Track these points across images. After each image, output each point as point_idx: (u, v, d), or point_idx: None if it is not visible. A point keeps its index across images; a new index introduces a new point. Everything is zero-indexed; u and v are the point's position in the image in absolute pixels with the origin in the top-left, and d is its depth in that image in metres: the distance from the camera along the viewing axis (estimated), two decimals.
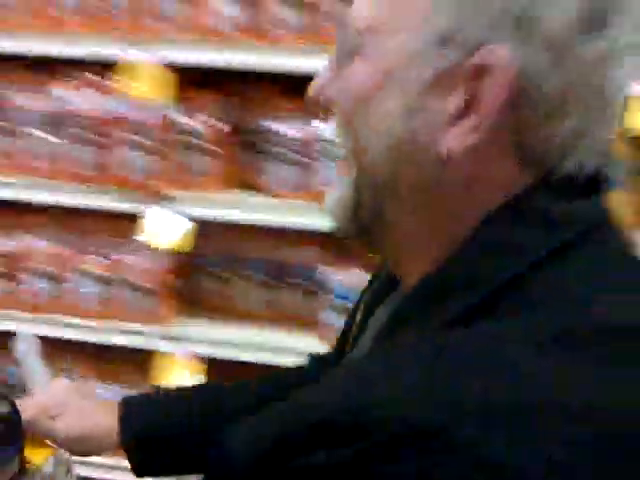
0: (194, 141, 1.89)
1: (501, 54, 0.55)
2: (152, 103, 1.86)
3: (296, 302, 1.96)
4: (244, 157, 1.93)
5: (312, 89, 0.68)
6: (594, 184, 0.60)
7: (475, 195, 0.59)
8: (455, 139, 0.57)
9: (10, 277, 2.02)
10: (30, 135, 1.96)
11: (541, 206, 0.57)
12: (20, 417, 0.99)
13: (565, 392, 0.50)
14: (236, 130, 1.92)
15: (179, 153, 1.89)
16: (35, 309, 2.02)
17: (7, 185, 1.98)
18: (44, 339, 1.21)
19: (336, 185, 0.67)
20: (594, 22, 0.55)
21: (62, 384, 1.07)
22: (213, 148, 1.90)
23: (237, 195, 1.92)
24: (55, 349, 1.99)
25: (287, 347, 1.88)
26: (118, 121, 1.88)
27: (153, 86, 1.84)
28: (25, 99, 1.97)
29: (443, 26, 0.57)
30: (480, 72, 0.56)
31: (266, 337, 1.94)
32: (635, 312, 0.55)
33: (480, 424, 0.48)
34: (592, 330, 0.53)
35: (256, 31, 1.83)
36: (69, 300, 2.00)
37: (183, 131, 1.89)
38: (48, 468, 1.05)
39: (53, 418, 1.01)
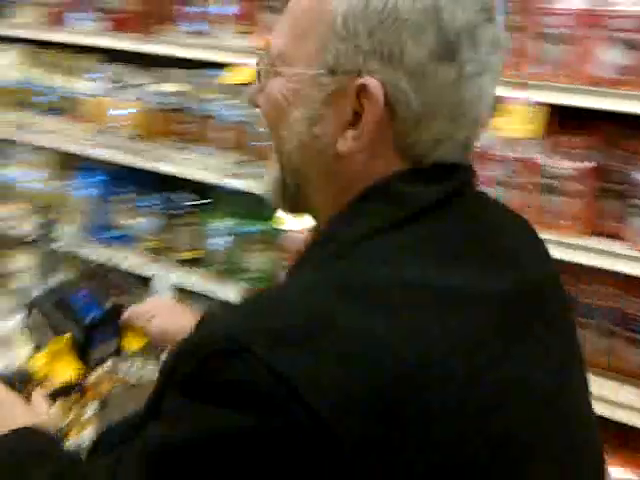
0: (556, 183, 1.91)
1: (373, 82, 0.75)
2: (521, 141, 1.92)
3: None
4: (606, 204, 1.92)
5: (246, 97, 0.91)
6: (454, 172, 0.81)
7: (361, 179, 0.80)
8: (345, 143, 0.78)
9: None
10: None
11: (396, 188, 0.78)
12: (120, 312, 1.36)
13: (349, 332, 0.67)
14: (600, 175, 1.91)
15: (540, 193, 1.93)
16: None
17: None
18: None
19: (266, 172, 0.89)
20: (445, 54, 0.75)
21: (165, 298, 1.52)
22: (575, 190, 1.90)
23: (593, 240, 1.91)
24: None
25: None
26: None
27: (523, 124, 1.89)
28: None
29: (330, 61, 0.78)
30: (359, 95, 0.76)
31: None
32: (423, 276, 0.74)
33: (270, 345, 0.66)
34: (385, 285, 0.72)
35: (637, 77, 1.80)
36: None
37: (547, 171, 1.92)
38: (140, 355, 1.40)
39: (150, 319, 1.35)
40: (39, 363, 1.26)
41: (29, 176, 2.97)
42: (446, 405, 0.68)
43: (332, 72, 0.78)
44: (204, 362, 0.68)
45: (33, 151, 2.96)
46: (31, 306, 1.36)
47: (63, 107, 2.85)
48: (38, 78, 2.92)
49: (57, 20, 2.82)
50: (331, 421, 0.64)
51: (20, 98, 2.97)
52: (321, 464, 0.64)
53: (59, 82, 2.87)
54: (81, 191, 2.85)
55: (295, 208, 0.90)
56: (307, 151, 0.82)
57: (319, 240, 0.82)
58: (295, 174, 0.85)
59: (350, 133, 0.78)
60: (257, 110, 0.87)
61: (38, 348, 1.31)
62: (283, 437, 0.64)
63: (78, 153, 2.78)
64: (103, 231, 2.80)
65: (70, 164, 2.92)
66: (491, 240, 0.83)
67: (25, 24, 2.87)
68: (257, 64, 0.86)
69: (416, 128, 0.77)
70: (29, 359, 1.28)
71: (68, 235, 2.71)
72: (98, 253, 2.65)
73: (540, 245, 0.92)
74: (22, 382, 1.17)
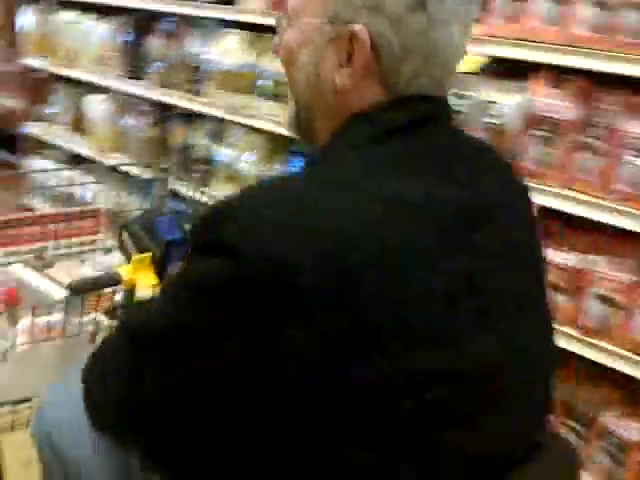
0: None
1: (362, 30, 0.98)
2: None
3: None
4: None
5: (273, 48, 1.14)
6: (429, 102, 1.02)
7: (354, 107, 1.02)
8: (342, 79, 1.01)
9: (570, 293, 2.08)
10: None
11: (374, 112, 1.00)
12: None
13: (315, 208, 0.88)
14: None
15: None
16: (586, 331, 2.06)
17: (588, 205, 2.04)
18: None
19: (288, 110, 1.14)
20: (417, 5, 0.97)
21: None
22: None
23: None
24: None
25: None
26: None
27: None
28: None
29: (330, 12, 1.01)
30: (352, 40, 0.99)
31: None
32: (388, 178, 0.93)
33: (252, 216, 0.88)
34: (353, 179, 0.92)
35: None
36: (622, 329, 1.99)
37: None
38: None
39: None
40: (125, 272, 1.60)
41: (241, 157, 3.07)
42: (380, 261, 0.87)
43: (331, 22, 1.01)
44: (205, 225, 0.94)
45: (246, 133, 3.05)
46: (122, 228, 1.64)
47: (278, 92, 2.91)
48: (259, 63, 3.00)
49: (280, 6, 2.87)
50: (291, 272, 0.84)
51: (243, 82, 3.07)
52: (284, 307, 0.84)
53: (277, 67, 2.92)
54: None
55: (306, 137, 1.13)
56: (313, 89, 1.06)
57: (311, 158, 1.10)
58: (306, 109, 1.09)
59: (345, 71, 1.01)
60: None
61: (127, 261, 1.62)
62: (254, 284, 0.85)
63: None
64: None
65: (283, 148, 2.98)
66: (452, 162, 1.00)
67: (251, 10, 2.95)
68: (277, 24, 1.11)
69: (397, 66, 0.99)
70: (119, 267, 1.64)
71: None
72: None
73: (515, 186, 1.11)
74: (113, 283, 1.62)
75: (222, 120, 3.14)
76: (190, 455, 0.94)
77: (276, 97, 2.90)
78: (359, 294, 0.84)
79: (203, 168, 3.26)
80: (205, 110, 3.17)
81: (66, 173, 4.03)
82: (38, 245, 2.24)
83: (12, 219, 2.25)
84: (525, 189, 1.12)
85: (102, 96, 3.69)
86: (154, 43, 3.43)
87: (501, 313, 0.97)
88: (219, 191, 3.07)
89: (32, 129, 4.24)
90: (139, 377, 0.96)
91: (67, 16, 3.87)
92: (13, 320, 1.74)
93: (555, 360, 1.12)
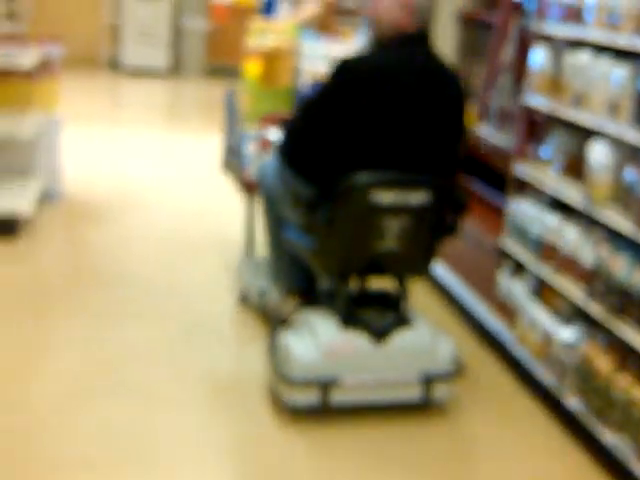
0: None
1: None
2: None
3: None
4: None
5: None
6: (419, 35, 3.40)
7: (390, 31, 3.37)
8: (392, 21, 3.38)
9: None
10: None
11: (388, 36, 3.36)
12: None
13: (360, 60, 3.37)
14: None
15: None
16: None
17: None
18: None
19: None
20: None
21: None
22: None
23: None
24: None
25: None
26: None
27: None
28: None
29: None
30: None
31: None
32: (386, 56, 3.37)
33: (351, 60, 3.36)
34: (374, 60, 3.39)
35: None
36: None
37: None
38: None
39: None
40: None
41: None
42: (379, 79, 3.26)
43: None
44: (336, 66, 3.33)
45: None
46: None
47: None
48: None
49: None
50: (355, 73, 3.30)
51: None
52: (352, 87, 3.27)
53: None
54: None
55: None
56: (383, 24, 3.35)
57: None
58: (381, 35, 3.40)
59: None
60: None
61: None
62: (346, 79, 3.29)
63: None
64: None
65: None
66: (415, 56, 3.36)
67: None
68: None
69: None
70: None
71: None
72: None
73: (457, 92, 3.46)
74: None
75: None
76: (321, 156, 3.34)
77: None
78: (366, 90, 3.23)
79: None
80: None
81: (549, 219, 3.83)
82: None
83: None
84: (455, 79, 3.46)
85: (608, 143, 3.41)
86: None
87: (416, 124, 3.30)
88: None
89: (523, 169, 4.11)
90: (300, 119, 3.49)
91: (580, 57, 3.66)
92: None
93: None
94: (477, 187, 5.01)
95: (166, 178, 7.33)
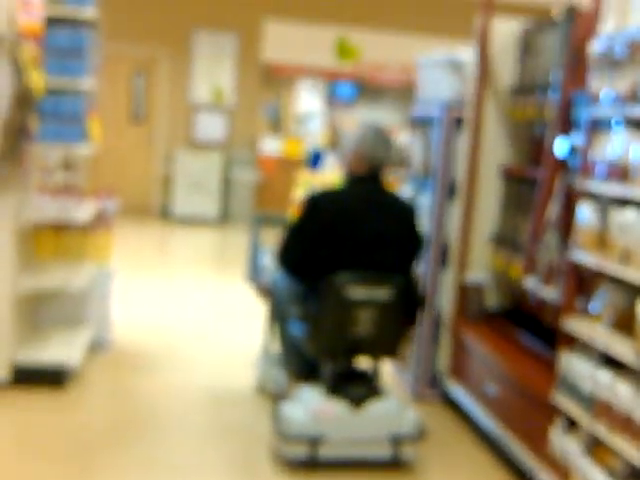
0: None
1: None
2: None
3: None
4: None
5: None
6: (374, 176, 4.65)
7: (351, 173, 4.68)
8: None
9: None
10: None
11: (351, 176, 4.67)
12: None
13: (326, 195, 4.68)
14: None
15: None
16: None
17: None
18: None
19: None
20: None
21: None
22: None
23: None
24: None
25: None
26: None
27: None
28: None
29: None
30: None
31: None
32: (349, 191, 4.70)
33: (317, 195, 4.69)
34: (340, 192, 4.82)
35: None
36: None
37: None
38: None
39: None
40: None
41: None
42: (338, 212, 4.51)
43: None
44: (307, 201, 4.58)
45: None
46: None
47: None
48: None
49: None
50: (321, 206, 4.53)
51: None
52: (320, 215, 4.52)
53: None
54: None
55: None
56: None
57: None
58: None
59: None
60: None
61: None
62: (316, 209, 4.50)
63: None
64: None
65: None
66: (379, 197, 4.64)
67: None
68: None
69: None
70: None
71: None
72: None
73: (404, 213, 4.70)
74: None
75: None
76: (306, 262, 4.48)
77: None
78: (333, 221, 4.46)
79: None
80: None
81: (601, 375, 3.76)
82: None
83: None
84: (409, 211, 4.72)
85: None
86: None
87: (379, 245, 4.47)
88: None
89: (572, 324, 4.08)
90: (289, 239, 4.56)
91: (626, 215, 3.70)
92: None
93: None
94: (526, 339, 4.97)
95: (214, 326, 7.39)
